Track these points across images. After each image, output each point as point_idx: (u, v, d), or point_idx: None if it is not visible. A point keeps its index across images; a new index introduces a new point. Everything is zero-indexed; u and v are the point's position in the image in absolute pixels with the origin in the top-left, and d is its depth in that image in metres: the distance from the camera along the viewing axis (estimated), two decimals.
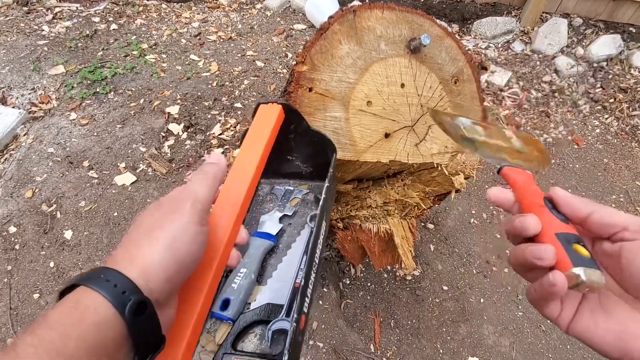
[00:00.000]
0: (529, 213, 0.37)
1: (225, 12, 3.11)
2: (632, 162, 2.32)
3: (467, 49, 2.75)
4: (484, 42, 2.84)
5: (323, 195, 0.59)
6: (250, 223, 0.75)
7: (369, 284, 1.65)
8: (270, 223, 0.73)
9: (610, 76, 2.63)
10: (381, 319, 1.57)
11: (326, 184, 0.62)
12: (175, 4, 3.16)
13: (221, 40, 2.80)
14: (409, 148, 0.88)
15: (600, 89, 2.57)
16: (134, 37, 2.80)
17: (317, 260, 0.59)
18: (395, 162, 0.88)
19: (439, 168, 0.91)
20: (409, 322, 1.59)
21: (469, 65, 0.91)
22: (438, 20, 0.85)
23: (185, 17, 3.02)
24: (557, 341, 1.65)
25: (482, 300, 1.71)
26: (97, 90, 2.36)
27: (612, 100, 2.52)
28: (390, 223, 1.02)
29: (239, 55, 2.67)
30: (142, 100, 2.28)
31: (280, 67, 2.59)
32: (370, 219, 1.02)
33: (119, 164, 1.96)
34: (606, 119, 2.48)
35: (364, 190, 1.02)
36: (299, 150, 0.71)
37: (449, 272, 1.78)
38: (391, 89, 0.85)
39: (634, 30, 2.80)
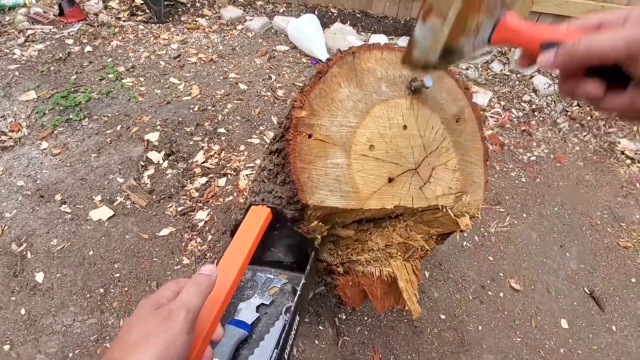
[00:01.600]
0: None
1: (205, 33, 3.05)
2: (612, 178, 2.38)
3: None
4: (464, 62, 2.90)
5: (298, 292, 0.62)
6: (228, 309, 0.71)
7: (365, 318, 1.58)
8: (248, 311, 0.75)
9: None
10: (380, 356, 1.50)
11: (302, 281, 0.65)
12: (152, 25, 3.08)
13: (202, 62, 2.73)
14: (413, 191, 0.84)
15: (577, 107, 2.66)
16: (110, 59, 2.69)
17: (286, 356, 0.64)
18: (400, 207, 0.83)
19: (444, 210, 0.87)
20: (409, 357, 1.53)
21: (470, 103, 0.89)
22: None
23: (164, 39, 2.94)
24: None
25: (480, 327, 1.68)
26: (70, 116, 2.23)
27: (588, 118, 2.61)
28: (392, 266, 0.96)
29: (221, 77, 2.61)
30: (119, 127, 2.17)
31: (264, 89, 2.54)
32: (372, 262, 0.97)
33: (94, 196, 1.83)
34: (584, 136, 2.56)
35: (365, 233, 0.96)
36: (282, 244, 0.76)
37: (445, 299, 1.74)
38: (393, 132, 0.81)
39: None
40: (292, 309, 0.60)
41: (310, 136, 0.74)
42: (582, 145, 2.52)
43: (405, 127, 0.82)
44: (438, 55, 0.55)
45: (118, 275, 1.58)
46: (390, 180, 0.81)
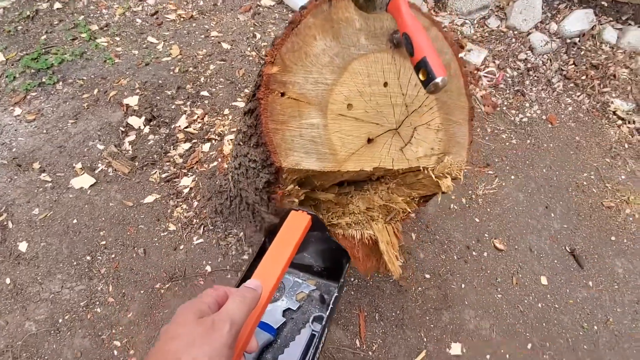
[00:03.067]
0: None
1: None
2: (602, 139, 2.37)
3: (443, 26, 2.66)
4: (459, 18, 2.76)
5: (331, 306, 0.60)
6: None
7: (352, 279, 1.62)
8: (274, 314, 0.71)
9: (582, 52, 2.64)
10: (366, 314, 1.55)
11: (335, 294, 0.62)
12: None
13: (181, 19, 2.56)
14: (393, 153, 0.81)
15: (573, 66, 2.58)
16: (82, 17, 2.51)
17: None
18: (380, 169, 0.80)
19: (426, 172, 0.85)
20: (393, 314, 1.59)
21: (456, 59, 0.84)
22: (422, 8, 0.76)
23: None
24: (534, 320, 1.71)
25: (462, 285, 1.73)
26: (43, 80, 2.11)
27: (584, 77, 2.54)
28: (374, 228, 0.96)
29: (203, 36, 2.46)
30: (95, 91, 2.06)
31: (248, 49, 2.41)
32: (353, 225, 0.96)
33: (74, 164, 1.78)
34: (578, 96, 2.51)
35: (346, 196, 0.94)
36: (314, 249, 0.75)
37: (431, 259, 1.78)
38: (373, 89, 0.76)
39: (605, 4, 2.80)
40: (323, 321, 0.59)
41: (283, 94, 0.69)
42: (575, 106, 2.48)
43: (386, 84, 0.77)
44: None
45: (104, 242, 1.57)
46: (370, 141, 0.78)
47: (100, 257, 1.55)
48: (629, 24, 2.72)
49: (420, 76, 0.61)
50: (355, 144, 0.76)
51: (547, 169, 2.21)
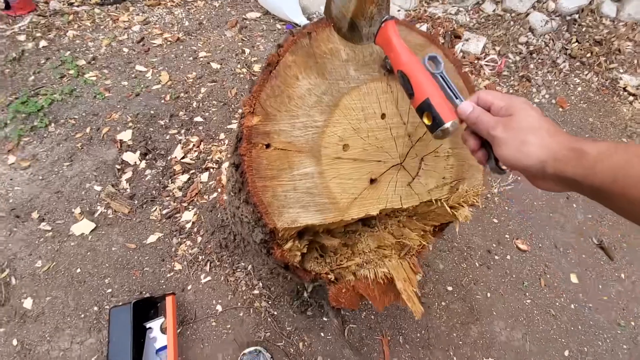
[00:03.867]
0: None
1: (168, 9, 2.78)
2: (616, 119, 2.24)
3: (436, 17, 2.55)
4: (453, 6, 2.64)
5: None
6: None
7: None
8: None
9: (584, 29, 2.50)
10: (389, 338, 1.47)
11: None
12: (109, 6, 2.79)
13: (168, 43, 2.50)
14: (401, 190, 0.72)
15: (577, 44, 2.45)
16: (68, 52, 2.47)
17: None
18: (387, 209, 0.72)
19: (439, 204, 0.76)
20: (418, 335, 1.50)
21: (460, 74, 0.74)
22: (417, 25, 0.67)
23: (124, 21, 2.67)
24: (567, 324, 1.61)
25: (488, 294, 1.64)
26: (35, 123, 2.07)
27: (589, 54, 2.41)
28: (388, 266, 0.87)
29: (191, 58, 2.39)
30: (88, 129, 2.02)
31: (238, 66, 2.34)
32: (365, 264, 0.88)
33: (73, 209, 1.73)
34: (586, 75, 2.38)
35: (353, 235, 0.86)
36: None
37: (451, 270, 1.68)
38: (370, 124, 0.68)
39: None
40: None
41: (268, 146, 0.61)
42: (584, 85, 2.35)
43: (383, 115, 0.69)
44: (347, 24, 0.61)
45: (110, 290, 1.52)
46: (373, 181, 0.70)
47: (107, 306, 1.49)
48: None
49: (425, 120, 0.52)
50: (356, 187, 0.68)
51: None
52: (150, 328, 1.41)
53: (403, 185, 0.73)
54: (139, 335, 1.35)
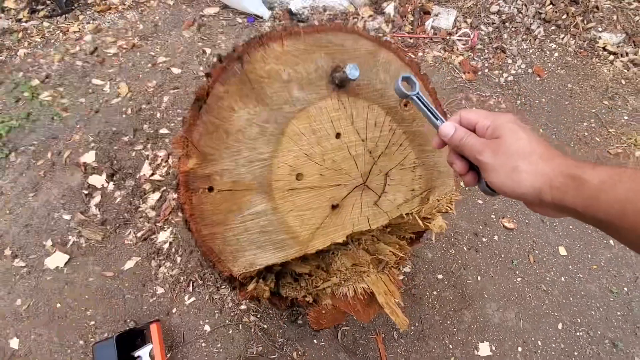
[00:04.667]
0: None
1: (119, 13, 2.61)
2: (596, 81, 2.20)
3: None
4: None
5: None
6: None
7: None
8: None
9: None
10: (383, 335, 1.46)
11: None
12: (58, 18, 2.61)
13: (123, 50, 2.36)
14: (367, 210, 0.67)
15: (551, 6, 2.38)
16: (21, 74, 2.31)
17: None
18: (355, 234, 0.67)
19: (411, 218, 0.71)
20: (412, 327, 1.49)
21: (418, 76, 0.68)
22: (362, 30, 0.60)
23: (74, 32, 2.50)
24: (559, 297, 1.61)
25: (479, 278, 1.63)
26: None
27: (564, 16, 2.34)
28: (367, 281, 0.83)
29: (150, 65, 2.26)
30: (49, 155, 1.90)
31: (200, 68, 2.22)
32: (343, 282, 0.83)
33: (44, 242, 1.65)
34: (562, 38, 2.32)
35: (326, 256, 0.81)
36: None
37: (440, 257, 1.66)
38: (324, 146, 0.62)
39: None
40: None
41: (211, 189, 0.55)
42: (561, 50, 2.29)
43: (338, 135, 0.63)
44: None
45: (93, 322, 1.46)
46: (335, 207, 0.64)
47: (92, 339, 1.44)
48: None
49: None
50: (317, 217, 0.63)
51: (543, 127, 2.06)
52: (139, 357, 1.36)
53: (369, 205, 0.67)
54: None
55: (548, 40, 2.31)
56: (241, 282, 0.63)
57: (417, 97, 0.52)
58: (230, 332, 1.41)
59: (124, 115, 2.00)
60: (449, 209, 0.73)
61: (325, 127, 0.61)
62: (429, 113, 0.52)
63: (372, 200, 0.67)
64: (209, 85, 0.53)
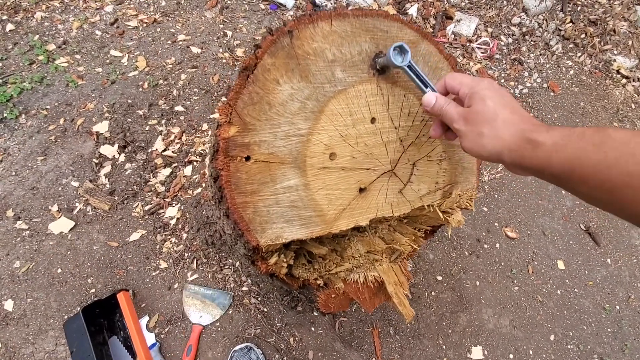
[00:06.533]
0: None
1: None
2: (608, 102, 2.22)
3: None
4: None
5: None
6: None
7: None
8: None
9: (578, 8, 2.43)
10: (379, 330, 1.48)
11: None
12: None
13: (144, 25, 2.35)
14: (392, 197, 0.68)
15: (571, 24, 2.39)
16: (37, 36, 2.29)
17: None
18: (378, 219, 0.68)
19: (432, 209, 0.72)
20: (408, 325, 1.51)
21: (455, 71, 0.69)
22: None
23: (95, 1, 2.49)
24: (554, 309, 1.64)
25: (477, 283, 1.65)
26: (4, 115, 1.94)
27: (583, 35, 2.36)
28: (379, 270, 0.85)
29: (169, 42, 2.26)
30: (62, 121, 1.90)
31: (220, 50, 2.22)
32: (355, 269, 0.85)
33: (50, 207, 1.65)
34: (579, 57, 2.34)
35: (342, 240, 0.83)
36: None
37: (441, 259, 1.68)
38: (359, 129, 0.63)
39: None
40: None
41: (248, 159, 0.56)
42: (577, 68, 2.31)
43: (373, 120, 0.64)
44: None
45: (93, 290, 1.47)
46: (362, 190, 0.66)
47: None
48: None
49: None
50: (344, 198, 0.64)
51: None
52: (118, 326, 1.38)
53: (394, 192, 0.68)
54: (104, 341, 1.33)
55: (565, 57, 2.33)
56: (263, 255, 0.64)
57: (407, 66, 0.55)
58: (230, 311, 1.42)
59: (140, 89, 2.00)
60: (468, 205, 0.74)
61: (362, 111, 0.62)
62: (419, 83, 0.56)
63: (397, 188, 0.68)
64: (258, 56, 0.54)
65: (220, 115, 0.53)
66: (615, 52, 2.32)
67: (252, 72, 0.54)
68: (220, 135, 0.54)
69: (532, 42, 2.34)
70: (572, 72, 2.29)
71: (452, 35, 2.29)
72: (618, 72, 2.27)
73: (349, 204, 0.64)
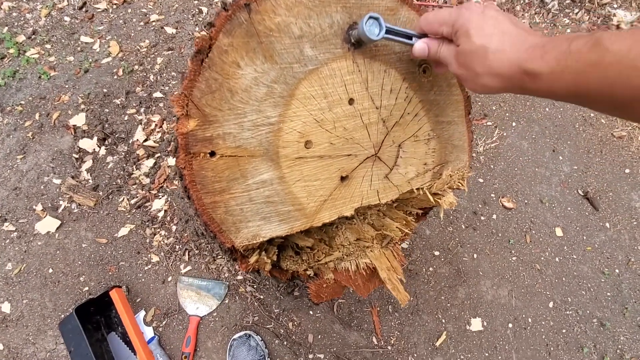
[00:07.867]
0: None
1: None
2: None
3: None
4: None
5: None
6: None
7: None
8: None
9: None
10: (378, 309, 1.47)
11: None
12: None
13: (114, 6, 2.20)
14: (377, 184, 0.63)
15: None
16: (6, 28, 2.16)
17: None
18: (363, 207, 0.64)
19: (421, 193, 0.68)
20: (407, 302, 1.51)
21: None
22: None
23: None
24: (552, 276, 1.64)
25: (475, 255, 1.63)
26: None
27: None
28: (370, 256, 0.81)
29: (142, 23, 2.13)
30: (37, 116, 1.82)
31: (196, 29, 2.10)
32: (346, 257, 0.81)
33: (34, 206, 1.60)
34: (576, 13, 2.22)
35: (329, 229, 0.79)
36: None
37: (438, 234, 1.66)
38: (336, 112, 0.57)
39: None
40: None
41: (212, 154, 0.50)
42: (574, 26, 2.20)
43: (351, 100, 0.58)
44: None
45: (87, 288, 1.45)
46: (344, 178, 0.60)
47: None
48: None
49: None
50: (325, 188, 0.59)
51: (549, 106, 2.01)
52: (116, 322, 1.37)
53: (380, 178, 0.63)
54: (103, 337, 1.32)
55: (562, 15, 2.22)
56: (243, 254, 0.60)
57: (384, 37, 0.51)
58: (227, 301, 1.41)
59: (115, 77, 1.90)
60: (460, 185, 0.70)
61: (337, 92, 0.56)
62: (404, 40, 0.52)
63: (383, 173, 0.63)
64: (212, 36, 0.47)
65: (175, 107, 0.47)
66: (615, 6, 2.20)
67: (206, 55, 0.47)
68: (178, 131, 0.48)
69: (526, 1, 2.21)
70: (569, 30, 2.19)
71: (444, 2, 2.16)
72: (618, 27, 2.17)
73: (330, 194, 0.59)
